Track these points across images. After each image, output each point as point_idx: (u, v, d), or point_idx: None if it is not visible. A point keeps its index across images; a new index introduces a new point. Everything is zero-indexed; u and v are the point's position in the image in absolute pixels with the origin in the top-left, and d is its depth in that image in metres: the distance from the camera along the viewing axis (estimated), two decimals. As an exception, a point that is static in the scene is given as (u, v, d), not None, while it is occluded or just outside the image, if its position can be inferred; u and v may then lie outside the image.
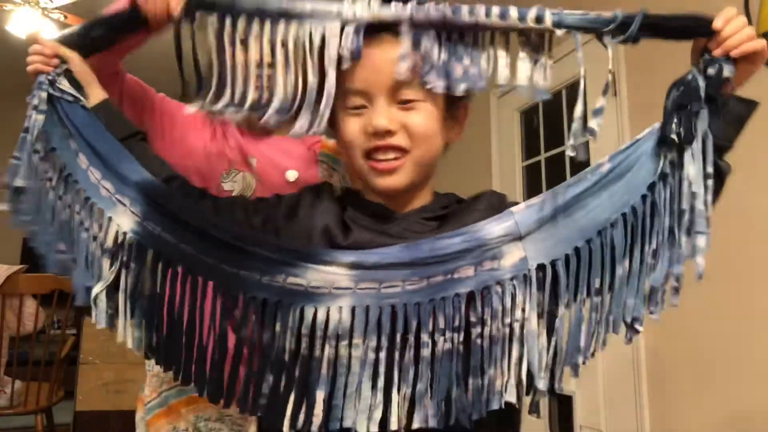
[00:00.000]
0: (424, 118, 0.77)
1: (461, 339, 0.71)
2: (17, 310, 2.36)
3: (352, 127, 0.76)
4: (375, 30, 0.76)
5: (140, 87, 1.13)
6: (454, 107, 0.85)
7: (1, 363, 2.38)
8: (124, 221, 0.77)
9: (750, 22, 2.01)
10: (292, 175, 1.03)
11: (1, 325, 2.26)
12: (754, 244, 1.85)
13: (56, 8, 3.62)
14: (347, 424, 0.68)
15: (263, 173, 1.02)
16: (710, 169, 0.80)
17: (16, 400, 2.35)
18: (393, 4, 0.75)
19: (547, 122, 3.02)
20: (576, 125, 0.83)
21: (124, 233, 0.76)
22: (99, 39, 0.89)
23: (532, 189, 3.11)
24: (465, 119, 0.89)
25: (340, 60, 0.75)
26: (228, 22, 0.81)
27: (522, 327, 0.72)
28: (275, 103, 0.78)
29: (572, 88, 2.82)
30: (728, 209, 1.96)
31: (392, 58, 0.75)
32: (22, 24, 3.56)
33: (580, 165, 2.72)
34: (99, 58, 0.91)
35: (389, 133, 0.74)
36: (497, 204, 0.85)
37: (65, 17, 3.71)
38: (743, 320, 1.85)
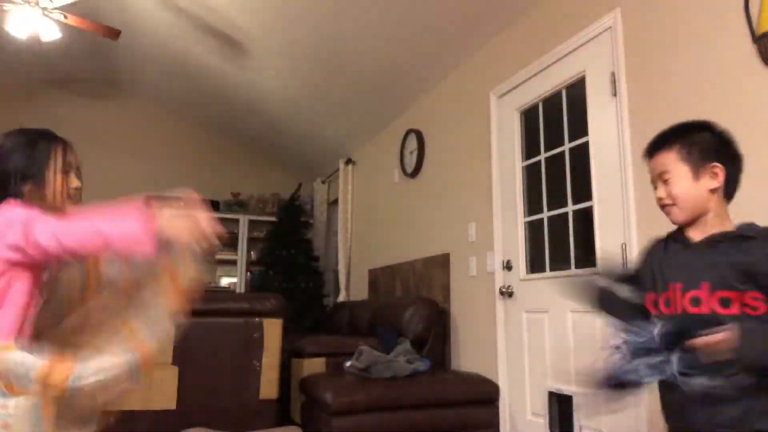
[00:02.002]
0: None
1: None
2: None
3: None
4: None
5: None
6: None
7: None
8: None
9: (750, 22, 2.02)
10: None
11: (1, 325, 2.27)
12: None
13: (56, 8, 3.62)
14: None
15: None
16: None
17: (16, 400, 2.36)
18: None
19: (547, 122, 3.02)
20: None
21: None
22: None
23: (532, 189, 3.11)
24: None
25: None
26: None
27: None
28: None
29: (572, 88, 2.82)
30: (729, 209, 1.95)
31: None
32: (22, 24, 3.56)
33: (579, 165, 2.73)
34: None
35: None
36: None
37: (65, 17, 3.71)
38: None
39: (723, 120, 1.98)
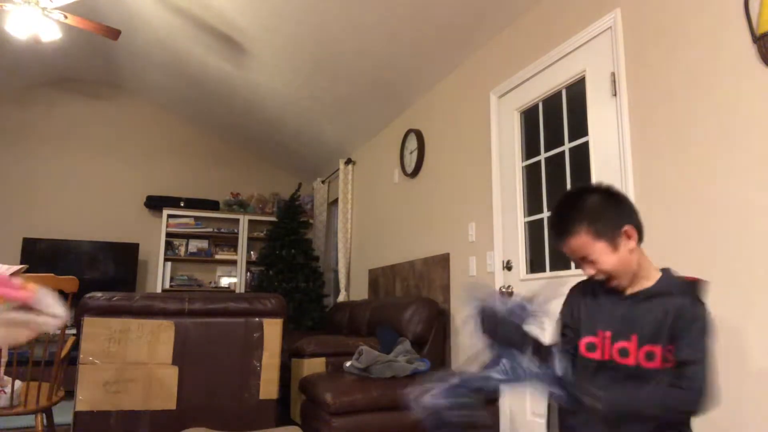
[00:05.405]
0: None
1: None
2: (17, 310, 2.36)
3: None
4: None
5: None
6: None
7: (1, 363, 2.37)
8: None
9: (750, 23, 2.01)
10: None
11: (1, 325, 2.26)
12: (751, 242, 1.85)
13: (56, 8, 3.62)
14: None
15: None
16: None
17: (16, 400, 2.35)
18: None
19: (547, 122, 3.02)
20: None
21: None
22: None
23: (532, 189, 3.11)
24: None
25: None
26: None
27: None
28: None
29: (572, 88, 2.82)
30: (727, 209, 1.95)
31: None
32: (22, 24, 3.55)
33: (579, 165, 2.72)
34: None
35: None
36: None
37: (65, 17, 3.71)
38: (740, 321, 1.85)
39: (723, 120, 1.98)
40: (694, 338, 1.18)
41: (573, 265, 2.74)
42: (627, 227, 1.25)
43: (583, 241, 1.25)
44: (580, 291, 1.41)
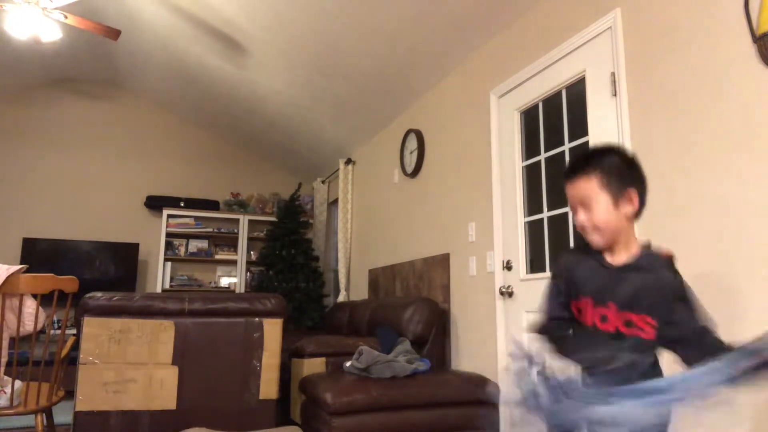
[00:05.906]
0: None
1: None
2: (17, 310, 2.36)
3: None
4: None
5: None
6: None
7: (1, 363, 2.37)
8: None
9: (750, 23, 2.01)
10: None
11: (1, 325, 2.26)
12: (751, 242, 1.85)
13: (56, 8, 3.62)
14: None
15: None
16: None
17: (16, 400, 2.35)
18: None
19: (547, 122, 3.02)
20: None
21: None
22: None
23: (532, 189, 3.11)
24: None
25: None
26: None
27: None
28: None
29: (572, 88, 2.82)
30: (727, 208, 1.95)
31: None
32: (22, 24, 3.55)
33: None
34: None
35: None
36: None
37: (65, 17, 3.71)
38: (736, 319, 1.85)
39: (723, 119, 1.98)
40: (697, 305, 1.26)
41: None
42: (632, 190, 1.31)
43: (591, 185, 1.32)
44: (567, 261, 1.46)
